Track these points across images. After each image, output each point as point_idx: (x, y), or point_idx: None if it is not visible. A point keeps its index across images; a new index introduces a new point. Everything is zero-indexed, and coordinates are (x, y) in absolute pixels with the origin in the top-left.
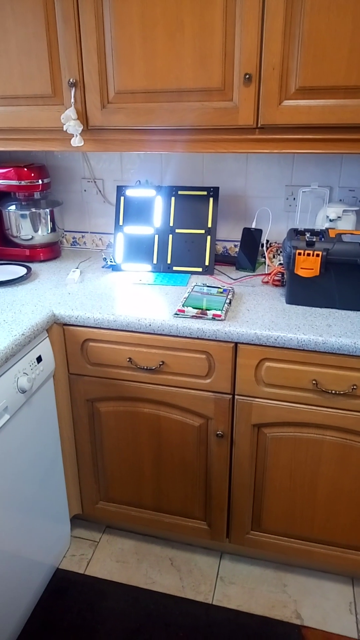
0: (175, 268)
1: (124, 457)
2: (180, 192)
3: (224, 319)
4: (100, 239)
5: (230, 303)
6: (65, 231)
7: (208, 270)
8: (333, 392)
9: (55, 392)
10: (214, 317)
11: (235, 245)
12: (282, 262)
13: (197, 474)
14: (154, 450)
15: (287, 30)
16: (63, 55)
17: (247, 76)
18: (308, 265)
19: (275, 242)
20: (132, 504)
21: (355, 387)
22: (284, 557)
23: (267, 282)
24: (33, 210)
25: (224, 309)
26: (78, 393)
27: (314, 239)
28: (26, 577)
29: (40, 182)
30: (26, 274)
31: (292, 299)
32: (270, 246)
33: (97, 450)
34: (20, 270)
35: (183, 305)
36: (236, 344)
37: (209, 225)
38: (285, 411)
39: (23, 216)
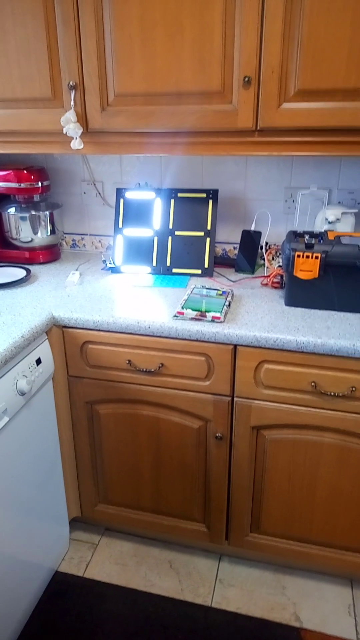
0: (174, 270)
1: (123, 459)
2: (179, 195)
3: (223, 321)
4: (99, 241)
5: (229, 305)
6: (64, 233)
7: (207, 273)
8: (332, 394)
9: (55, 395)
10: (213, 319)
11: (235, 248)
12: (281, 264)
13: (196, 476)
14: (153, 452)
15: (287, 32)
16: (63, 57)
17: (247, 79)
18: (307, 268)
19: (275, 245)
20: (131, 506)
21: (354, 389)
22: (283, 559)
23: (266, 284)
24: (33, 212)
25: (223, 311)
26: (77, 395)
27: (313, 241)
28: (25, 579)
29: (40, 184)
30: (26, 276)
31: (291, 301)
32: (270, 248)
33: (96, 453)
34: (20, 273)
35: (182, 308)
36: (235, 346)
37: (209, 227)
38: (284, 413)
39: (23, 218)
